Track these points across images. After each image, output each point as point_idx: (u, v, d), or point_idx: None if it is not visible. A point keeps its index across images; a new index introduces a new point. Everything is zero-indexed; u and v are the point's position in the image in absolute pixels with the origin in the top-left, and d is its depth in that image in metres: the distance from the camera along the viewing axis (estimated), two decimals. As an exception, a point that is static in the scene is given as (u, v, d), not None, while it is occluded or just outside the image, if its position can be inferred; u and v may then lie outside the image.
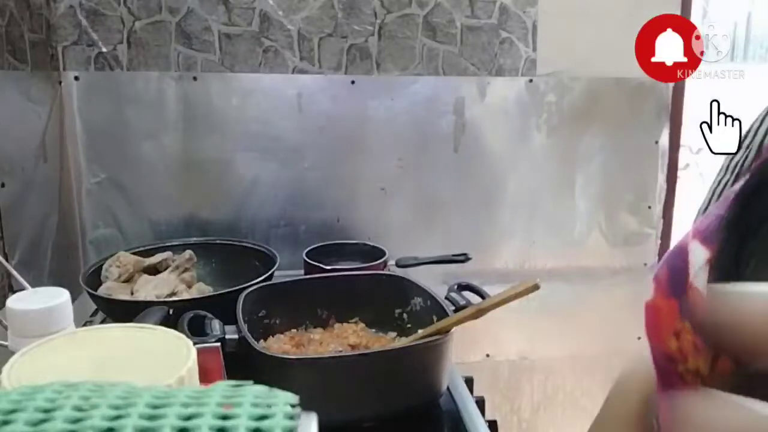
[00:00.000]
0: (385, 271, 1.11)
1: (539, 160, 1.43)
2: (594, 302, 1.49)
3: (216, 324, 0.76)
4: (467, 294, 0.90)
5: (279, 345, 0.90)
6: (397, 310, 0.97)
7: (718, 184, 0.46)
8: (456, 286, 0.91)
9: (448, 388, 0.86)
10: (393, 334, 0.95)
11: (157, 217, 1.32)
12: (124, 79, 1.26)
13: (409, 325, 0.95)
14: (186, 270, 1.10)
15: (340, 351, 0.88)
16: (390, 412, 0.76)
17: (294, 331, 0.95)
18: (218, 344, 0.72)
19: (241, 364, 0.74)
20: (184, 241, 1.20)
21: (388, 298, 0.97)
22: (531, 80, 1.40)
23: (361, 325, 0.97)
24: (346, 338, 0.92)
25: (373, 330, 0.96)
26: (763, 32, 1.76)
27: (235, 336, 0.76)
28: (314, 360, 0.78)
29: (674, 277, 0.24)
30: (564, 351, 1.53)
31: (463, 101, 1.38)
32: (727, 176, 0.46)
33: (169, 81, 1.28)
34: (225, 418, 0.28)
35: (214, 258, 1.18)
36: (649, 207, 1.49)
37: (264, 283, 0.95)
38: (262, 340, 0.90)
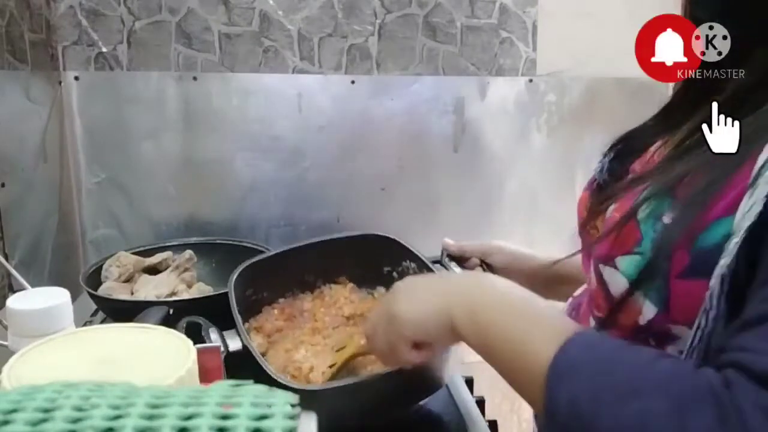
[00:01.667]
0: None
1: (539, 160, 1.43)
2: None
3: (213, 332, 0.74)
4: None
5: (271, 323, 0.87)
6: (386, 268, 0.93)
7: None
8: (447, 256, 0.89)
9: (448, 389, 0.86)
10: (382, 290, 0.93)
11: (157, 217, 1.32)
12: (124, 79, 1.26)
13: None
14: (186, 270, 1.10)
15: (370, 372, 0.79)
16: (397, 410, 0.76)
17: (282, 300, 0.91)
18: (219, 344, 0.72)
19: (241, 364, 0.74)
20: (184, 241, 1.20)
21: (376, 256, 0.93)
22: (531, 80, 1.40)
23: (350, 285, 0.93)
24: (340, 308, 0.89)
25: (363, 289, 0.93)
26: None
27: (239, 346, 0.74)
28: (334, 389, 0.71)
29: (589, 182, 0.65)
30: (564, 351, 1.53)
31: (463, 101, 1.38)
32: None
33: (169, 81, 1.28)
34: (225, 417, 0.28)
35: (214, 258, 1.18)
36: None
37: (248, 262, 0.90)
38: (252, 320, 0.87)
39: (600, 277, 0.51)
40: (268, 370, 0.71)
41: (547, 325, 0.46)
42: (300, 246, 0.93)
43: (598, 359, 0.41)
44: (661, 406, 0.37)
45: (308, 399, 0.68)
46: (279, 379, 0.70)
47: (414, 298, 0.55)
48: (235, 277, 0.85)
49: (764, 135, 0.42)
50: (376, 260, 0.93)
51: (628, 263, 0.48)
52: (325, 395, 0.69)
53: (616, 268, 0.49)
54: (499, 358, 0.48)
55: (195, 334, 0.73)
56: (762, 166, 0.40)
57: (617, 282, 0.49)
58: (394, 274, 0.93)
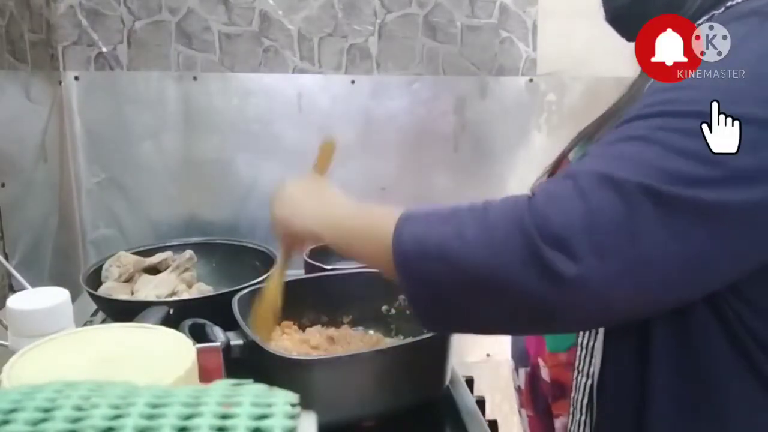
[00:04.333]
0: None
1: (539, 160, 1.43)
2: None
3: (218, 331, 0.76)
4: None
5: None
6: (384, 307, 0.95)
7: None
8: None
9: (448, 389, 0.86)
10: (371, 331, 0.95)
11: (157, 217, 1.32)
12: (124, 79, 1.26)
13: (392, 325, 0.94)
14: (186, 270, 1.10)
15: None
16: (401, 405, 0.77)
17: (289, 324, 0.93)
18: (219, 344, 0.72)
19: (241, 364, 0.74)
20: (185, 240, 1.20)
21: (373, 293, 0.94)
22: (531, 80, 1.40)
23: (345, 325, 0.95)
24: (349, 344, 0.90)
25: (360, 328, 0.95)
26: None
27: (240, 341, 0.75)
28: (334, 360, 0.76)
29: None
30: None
31: (463, 101, 1.38)
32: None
33: (169, 81, 1.28)
34: (225, 417, 0.28)
35: (214, 258, 1.18)
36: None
37: (254, 287, 0.91)
38: None
39: None
40: (269, 350, 0.72)
41: (385, 211, 0.56)
42: (307, 278, 1.00)
43: (430, 209, 0.52)
44: (471, 214, 0.48)
45: (306, 371, 0.70)
46: (280, 354, 0.72)
47: (291, 207, 0.71)
48: (240, 296, 0.86)
49: (637, 95, 0.54)
50: (374, 298, 0.95)
51: None
52: (323, 366, 0.72)
53: None
54: (355, 245, 0.60)
55: (198, 335, 0.73)
56: None
57: None
58: (392, 311, 0.95)
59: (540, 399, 0.69)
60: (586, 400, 0.57)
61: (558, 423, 0.66)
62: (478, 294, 0.48)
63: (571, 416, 0.60)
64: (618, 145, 0.47)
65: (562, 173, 0.48)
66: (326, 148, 0.82)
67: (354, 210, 0.64)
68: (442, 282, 0.49)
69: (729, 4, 0.52)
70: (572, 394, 0.60)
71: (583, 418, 0.58)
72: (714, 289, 0.48)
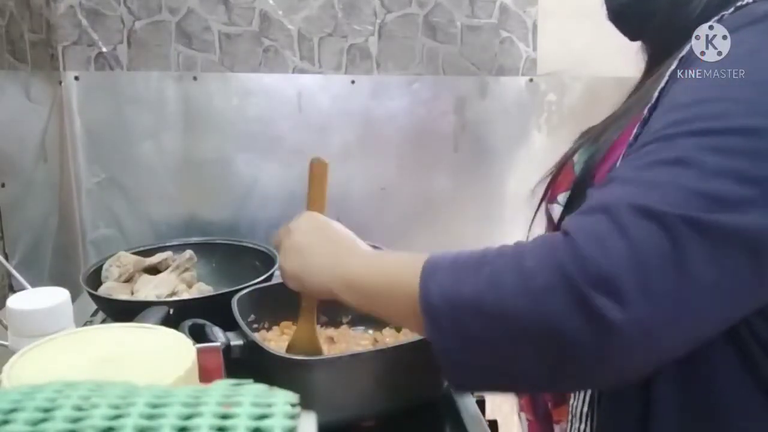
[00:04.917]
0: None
1: (539, 160, 1.43)
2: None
3: (217, 331, 0.76)
4: None
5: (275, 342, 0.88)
6: None
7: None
8: None
9: (448, 389, 0.86)
10: (370, 331, 0.94)
11: (157, 217, 1.32)
12: (124, 79, 1.26)
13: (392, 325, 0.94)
14: (186, 270, 1.10)
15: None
16: (401, 405, 0.77)
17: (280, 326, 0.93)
18: (219, 344, 0.72)
19: (241, 364, 0.74)
20: (185, 240, 1.20)
21: None
22: (531, 80, 1.40)
23: (344, 326, 0.95)
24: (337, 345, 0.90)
25: (360, 328, 0.95)
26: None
27: (240, 341, 0.75)
28: (334, 360, 0.76)
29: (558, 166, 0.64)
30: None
31: (463, 101, 1.38)
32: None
33: (169, 81, 1.28)
34: (225, 417, 0.28)
35: (214, 258, 1.18)
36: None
37: (254, 287, 0.92)
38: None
39: (549, 215, 0.62)
40: (269, 350, 0.72)
41: (405, 263, 0.53)
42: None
43: (454, 257, 0.50)
44: (504, 261, 0.46)
45: (307, 371, 0.70)
46: (280, 354, 0.72)
47: (302, 262, 0.67)
48: (239, 296, 0.86)
49: (646, 99, 0.52)
50: None
51: (564, 196, 0.60)
52: (323, 366, 0.72)
53: (558, 203, 0.61)
54: (376, 304, 0.57)
55: (198, 335, 0.73)
56: (637, 133, 0.50)
57: (557, 211, 0.60)
58: None
59: (540, 403, 0.68)
60: (585, 408, 0.56)
61: (558, 429, 0.66)
62: (519, 346, 0.45)
63: (569, 424, 0.59)
64: (651, 171, 0.44)
65: (591, 205, 0.45)
66: (317, 172, 0.75)
67: (370, 263, 0.60)
68: (477, 337, 0.46)
69: (739, 3, 0.50)
70: (571, 401, 0.59)
71: (582, 426, 0.57)
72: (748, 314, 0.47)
